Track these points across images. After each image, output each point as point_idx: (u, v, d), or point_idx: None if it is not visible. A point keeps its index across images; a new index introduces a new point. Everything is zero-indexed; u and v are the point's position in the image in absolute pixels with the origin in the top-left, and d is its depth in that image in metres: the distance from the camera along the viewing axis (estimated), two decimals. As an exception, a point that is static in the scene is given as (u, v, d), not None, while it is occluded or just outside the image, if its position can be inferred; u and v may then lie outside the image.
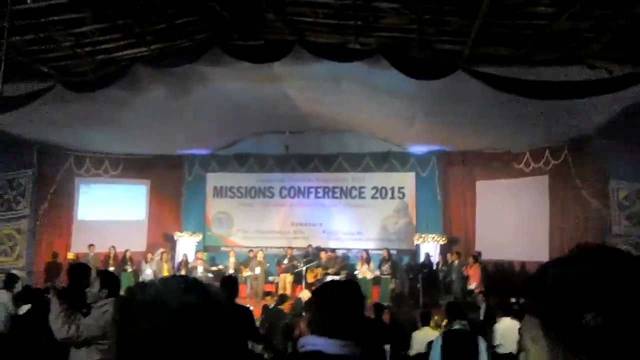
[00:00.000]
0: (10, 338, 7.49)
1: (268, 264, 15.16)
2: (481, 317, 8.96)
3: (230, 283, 5.62)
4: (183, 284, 0.95)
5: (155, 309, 0.89)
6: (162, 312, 0.88)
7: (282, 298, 9.86)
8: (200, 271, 14.81)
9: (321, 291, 2.25)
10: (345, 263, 15.17)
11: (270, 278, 15.07)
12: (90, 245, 14.45)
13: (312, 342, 2.01)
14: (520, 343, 1.07)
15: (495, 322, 7.85)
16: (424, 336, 7.25)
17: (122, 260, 14.89)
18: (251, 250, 15.34)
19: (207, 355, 0.88)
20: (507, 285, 12.26)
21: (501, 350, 7.30)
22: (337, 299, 2.12)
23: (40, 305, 7.45)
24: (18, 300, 7.91)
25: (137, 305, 0.90)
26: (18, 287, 8.41)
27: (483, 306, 9.60)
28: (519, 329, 1.59)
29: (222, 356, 0.90)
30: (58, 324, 4.06)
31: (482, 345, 5.74)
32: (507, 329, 7.31)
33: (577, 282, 0.82)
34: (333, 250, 15.36)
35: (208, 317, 0.91)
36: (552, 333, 0.84)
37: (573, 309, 0.80)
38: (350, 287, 2.24)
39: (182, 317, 0.88)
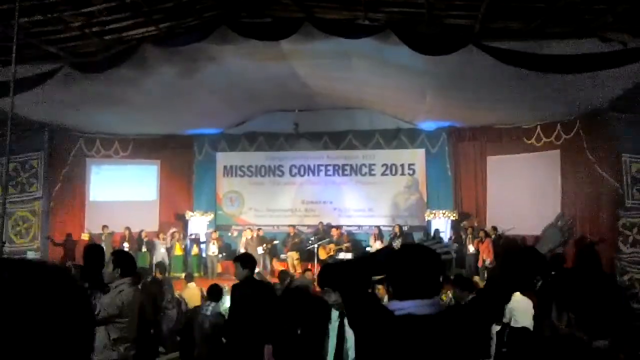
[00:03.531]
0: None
1: (276, 242, 15.33)
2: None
3: (246, 260, 5.71)
4: None
5: None
6: None
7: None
8: (212, 250, 14.96)
9: (401, 255, 2.27)
10: (351, 239, 15.17)
11: (283, 256, 15.19)
12: (104, 226, 14.58)
13: (399, 306, 2.06)
14: None
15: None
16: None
17: (138, 241, 15.02)
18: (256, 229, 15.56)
19: None
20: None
21: (514, 324, 7.33)
22: (416, 260, 2.16)
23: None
24: None
25: None
26: None
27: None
28: None
29: None
30: None
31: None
32: (517, 302, 7.31)
33: None
34: (340, 227, 15.40)
35: None
36: None
37: None
38: (426, 250, 2.29)
39: None
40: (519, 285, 2.15)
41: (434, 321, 2.01)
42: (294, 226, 15.67)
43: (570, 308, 1.89)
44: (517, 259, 2.13)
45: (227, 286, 11.26)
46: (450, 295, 7.82)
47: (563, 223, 2.81)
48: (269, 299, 5.60)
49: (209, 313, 6.71)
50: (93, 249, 5.58)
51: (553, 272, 4.16)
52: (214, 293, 7.04)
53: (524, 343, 7.11)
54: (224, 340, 6.20)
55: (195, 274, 14.19)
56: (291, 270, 14.21)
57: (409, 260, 2.17)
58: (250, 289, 5.50)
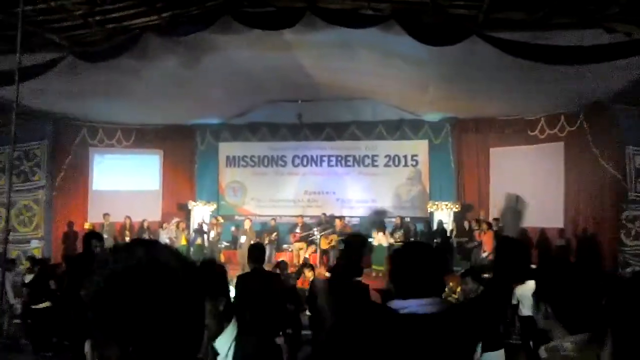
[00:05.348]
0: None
1: (276, 233, 15.33)
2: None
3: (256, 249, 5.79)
4: None
5: None
6: None
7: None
8: (212, 236, 15.01)
9: (403, 253, 2.23)
10: (353, 230, 15.15)
11: (285, 246, 15.21)
12: (105, 215, 14.61)
13: (402, 304, 2.03)
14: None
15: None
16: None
17: (139, 230, 15.03)
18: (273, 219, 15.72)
19: None
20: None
21: (523, 312, 7.36)
22: (419, 259, 2.13)
23: (42, 275, 8.40)
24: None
25: None
26: None
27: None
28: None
29: None
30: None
31: None
32: (525, 289, 7.30)
33: None
34: (343, 217, 15.37)
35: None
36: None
37: None
38: (429, 247, 2.28)
39: None
40: (512, 277, 2.17)
41: (438, 320, 1.99)
42: (301, 216, 15.67)
43: (547, 299, 1.85)
44: (505, 253, 2.17)
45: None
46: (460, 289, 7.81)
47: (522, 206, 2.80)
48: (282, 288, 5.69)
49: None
50: (92, 236, 5.62)
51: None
52: None
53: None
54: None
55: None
56: (295, 261, 14.24)
57: (412, 258, 2.14)
58: (261, 278, 5.51)
